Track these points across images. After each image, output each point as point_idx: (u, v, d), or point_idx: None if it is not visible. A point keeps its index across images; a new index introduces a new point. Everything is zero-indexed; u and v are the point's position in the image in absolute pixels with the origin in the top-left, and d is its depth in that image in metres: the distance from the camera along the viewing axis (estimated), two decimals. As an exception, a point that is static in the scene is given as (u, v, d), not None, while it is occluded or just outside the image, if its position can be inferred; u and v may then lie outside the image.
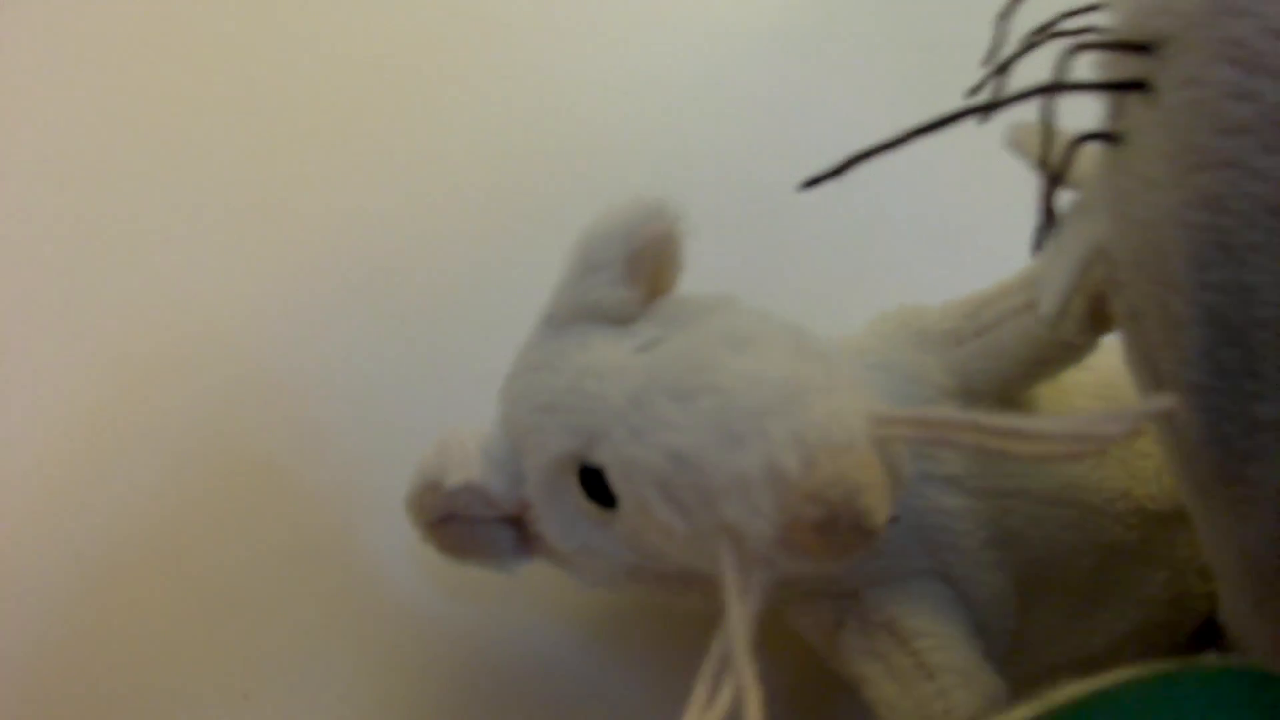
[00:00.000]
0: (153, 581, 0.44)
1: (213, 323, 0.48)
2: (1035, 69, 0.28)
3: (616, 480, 0.29)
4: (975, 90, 0.33)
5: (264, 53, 0.55)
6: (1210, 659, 0.27)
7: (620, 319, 0.33)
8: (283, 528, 0.44)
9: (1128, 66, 0.25)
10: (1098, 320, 0.32)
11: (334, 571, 0.44)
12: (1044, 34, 0.31)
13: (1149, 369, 0.27)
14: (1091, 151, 0.27)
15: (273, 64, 0.54)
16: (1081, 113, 0.27)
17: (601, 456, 0.30)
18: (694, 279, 0.36)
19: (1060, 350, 0.33)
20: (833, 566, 0.26)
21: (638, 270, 0.33)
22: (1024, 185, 0.34)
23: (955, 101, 0.26)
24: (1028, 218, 0.32)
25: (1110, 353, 0.34)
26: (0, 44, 0.55)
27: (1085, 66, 0.26)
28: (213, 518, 0.44)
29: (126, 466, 0.45)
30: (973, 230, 0.51)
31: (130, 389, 0.47)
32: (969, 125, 0.29)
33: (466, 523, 0.34)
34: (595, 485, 0.30)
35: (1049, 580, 0.35)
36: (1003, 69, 0.32)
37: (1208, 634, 0.38)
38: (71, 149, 0.52)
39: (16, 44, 0.55)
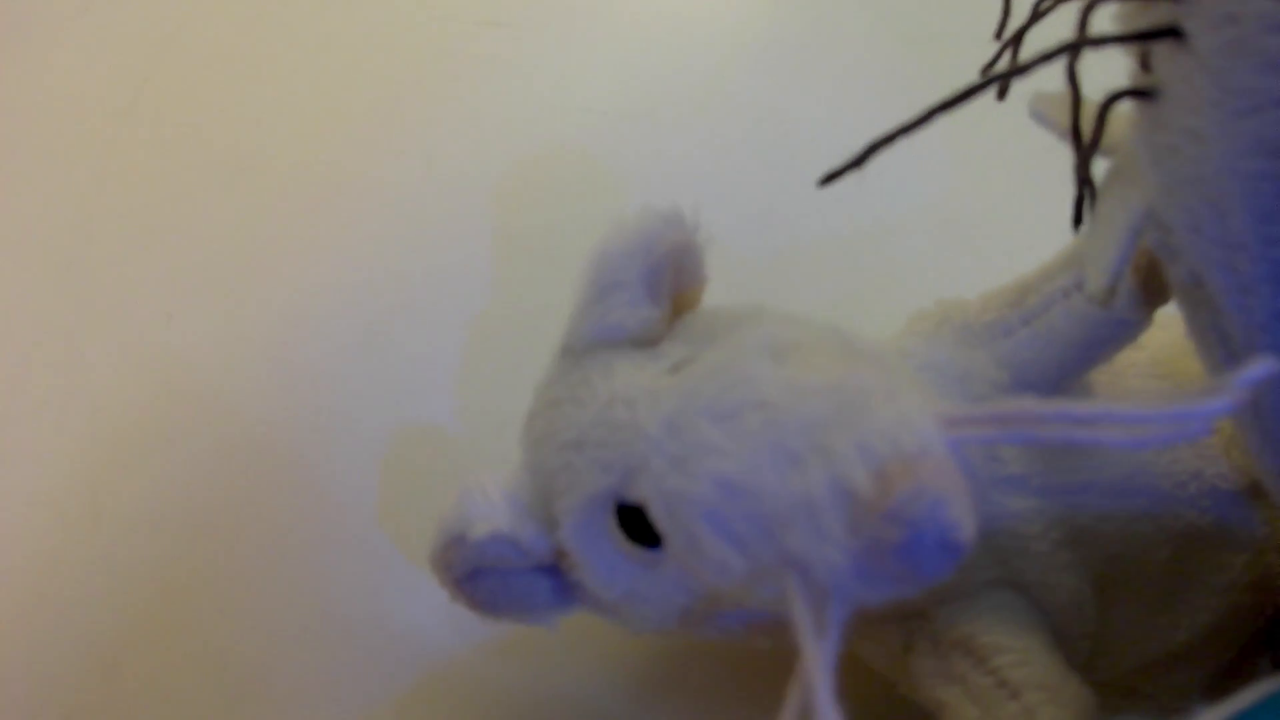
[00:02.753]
0: (166, 662, 0.42)
1: (210, 385, 0.47)
2: (1048, 40, 0.26)
3: (660, 517, 0.27)
4: (989, 66, 0.32)
5: (251, 110, 0.54)
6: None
7: (644, 341, 0.31)
8: (302, 596, 0.43)
9: (1153, 14, 0.23)
10: (1151, 292, 0.30)
11: (364, 638, 0.42)
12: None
13: (1217, 338, 0.25)
14: (1124, 112, 0.26)
15: (259, 120, 0.53)
16: (1105, 78, 0.25)
17: (640, 492, 0.27)
18: (710, 299, 0.34)
19: (1115, 329, 0.31)
20: (916, 592, 0.24)
21: (658, 286, 0.31)
22: (1048, 162, 0.32)
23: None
24: (1056, 196, 0.30)
25: (1161, 329, 0.32)
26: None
27: (1106, 22, 0.25)
28: (225, 591, 0.43)
29: (127, 543, 0.44)
30: (999, 215, 0.49)
31: (127, 460, 0.45)
32: (985, 109, 0.27)
33: (497, 576, 0.31)
34: (636, 524, 0.28)
35: (1126, 576, 0.33)
36: (1016, 40, 0.31)
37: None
38: (59, 215, 0.51)
39: (4, 110, 0.54)
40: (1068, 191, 0.27)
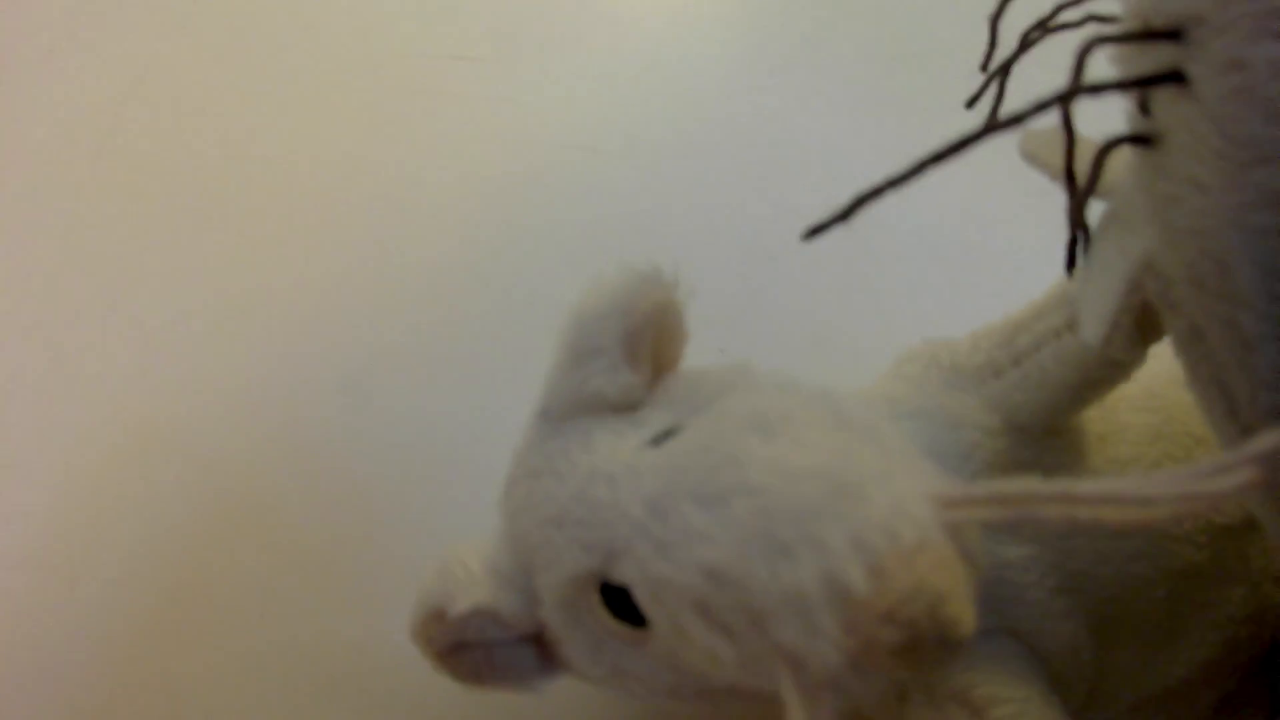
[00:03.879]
0: (140, 705, 0.41)
1: (186, 438, 0.45)
2: (1035, 70, 0.25)
3: (645, 601, 0.26)
4: (975, 99, 0.31)
5: (223, 150, 0.52)
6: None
7: (624, 407, 0.30)
8: (285, 650, 0.42)
9: (1154, 57, 0.22)
10: (1148, 332, 0.29)
11: (351, 694, 0.41)
12: (1043, 30, 0.29)
13: (1219, 393, 0.24)
14: (1121, 156, 0.25)
15: (231, 161, 0.52)
16: (1093, 112, 0.24)
17: (624, 575, 0.26)
18: (693, 338, 0.33)
19: (1108, 370, 0.30)
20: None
21: (637, 350, 0.29)
22: (1039, 194, 0.31)
23: (942, 113, 0.23)
24: (1048, 229, 0.29)
25: (1152, 359, 0.31)
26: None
27: (1101, 63, 0.24)
28: (207, 647, 0.42)
29: (104, 601, 0.43)
30: (987, 249, 0.48)
31: (102, 515, 0.44)
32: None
33: (481, 648, 0.30)
34: (621, 602, 0.27)
35: (1123, 617, 0.32)
36: (1003, 72, 0.29)
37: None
38: (29, 263, 0.50)
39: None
40: (1060, 224, 0.26)
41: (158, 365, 0.47)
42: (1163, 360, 0.34)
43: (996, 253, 0.47)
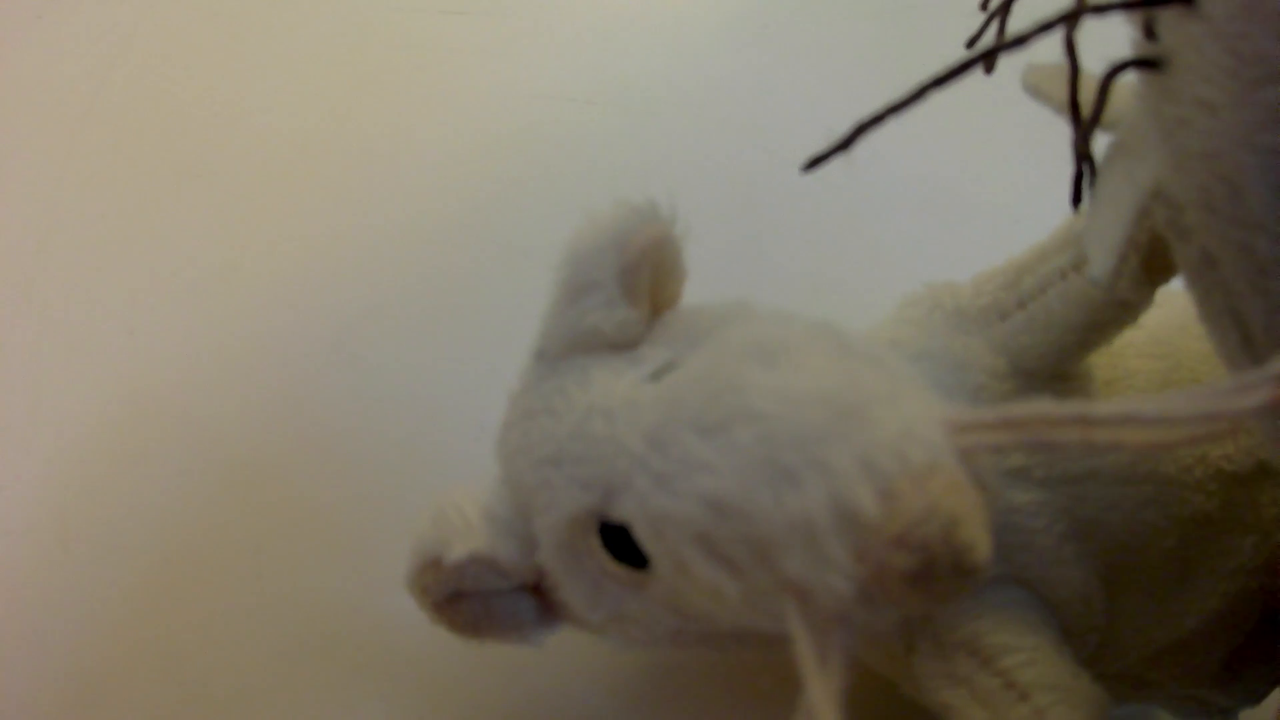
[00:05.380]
0: (147, 689, 0.41)
1: (177, 401, 0.45)
2: (1034, 14, 0.24)
3: (645, 538, 0.25)
4: (976, 37, 0.30)
5: (212, 111, 0.51)
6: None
7: (622, 344, 0.29)
8: (282, 614, 0.41)
9: (1158, -22, 0.22)
10: (1155, 271, 0.28)
11: (347, 655, 0.40)
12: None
13: (1232, 322, 0.24)
14: (1127, 85, 0.24)
15: (221, 121, 0.51)
16: (1099, 47, 0.24)
17: (624, 511, 0.25)
18: (689, 289, 0.32)
19: (1116, 311, 0.29)
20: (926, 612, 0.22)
21: (635, 285, 0.28)
22: (1040, 135, 0.31)
23: (936, 63, 0.23)
24: (1049, 171, 0.29)
25: (1159, 305, 0.31)
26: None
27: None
28: (202, 613, 0.41)
29: (98, 569, 0.42)
30: (988, 193, 0.47)
31: (94, 484, 0.44)
32: (972, 82, 0.26)
33: (478, 598, 0.29)
34: (621, 543, 0.26)
35: (1133, 566, 0.32)
36: (1004, 9, 0.29)
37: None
38: (15, 227, 0.49)
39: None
40: (1062, 166, 0.26)
41: (147, 327, 0.46)
42: (1170, 308, 0.33)
43: (995, 201, 0.46)
